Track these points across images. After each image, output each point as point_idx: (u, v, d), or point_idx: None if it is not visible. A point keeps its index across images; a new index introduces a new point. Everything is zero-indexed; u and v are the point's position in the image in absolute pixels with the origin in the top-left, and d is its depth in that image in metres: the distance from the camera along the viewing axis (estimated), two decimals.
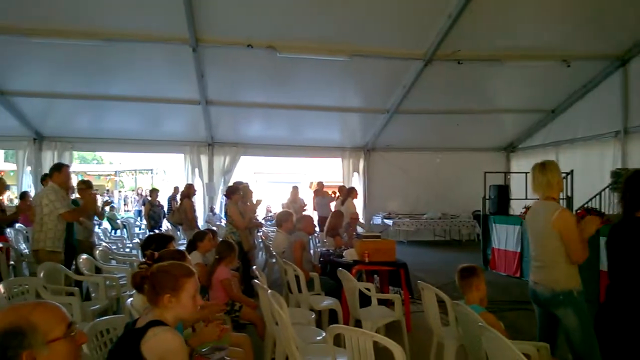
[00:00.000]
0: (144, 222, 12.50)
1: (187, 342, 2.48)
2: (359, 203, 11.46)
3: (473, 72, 8.94)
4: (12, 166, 16.90)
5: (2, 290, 4.01)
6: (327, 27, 7.61)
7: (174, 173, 19.69)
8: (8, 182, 9.64)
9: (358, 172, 12.84)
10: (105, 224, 12.94)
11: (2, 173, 17.78)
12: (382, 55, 8.36)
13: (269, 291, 3.50)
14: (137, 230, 12.53)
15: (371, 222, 12.93)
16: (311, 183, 20.32)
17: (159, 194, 11.99)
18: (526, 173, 10.10)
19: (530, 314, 5.92)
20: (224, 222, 11.46)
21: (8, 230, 7.54)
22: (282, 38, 7.74)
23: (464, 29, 7.43)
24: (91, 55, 8.00)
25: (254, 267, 6.21)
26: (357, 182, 12.58)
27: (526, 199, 9.46)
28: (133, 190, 27.22)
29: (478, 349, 2.96)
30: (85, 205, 6.20)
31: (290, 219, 6.88)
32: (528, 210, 3.70)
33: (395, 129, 11.35)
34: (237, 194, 6.93)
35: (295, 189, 12.38)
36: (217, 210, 12.42)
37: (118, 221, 13.60)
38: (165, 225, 11.25)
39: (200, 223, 10.56)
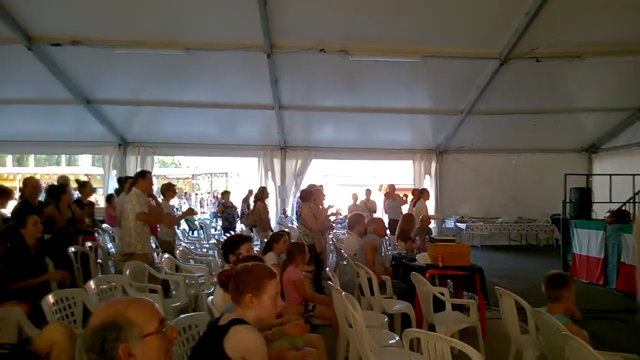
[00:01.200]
0: (219, 223, 12.99)
1: (267, 337, 2.55)
2: (430, 205, 11.26)
3: (552, 70, 8.53)
4: (99, 170, 18.12)
5: (93, 287, 4.34)
6: (398, 29, 7.55)
7: (247, 176, 20.30)
8: (95, 186, 10.37)
9: (430, 175, 12.60)
10: (184, 225, 13.55)
11: (90, 177, 19.10)
12: (455, 55, 8.16)
13: (343, 293, 3.53)
14: (213, 231, 13.02)
15: (443, 226, 12.66)
16: (381, 186, 20.18)
17: (230, 195, 12.43)
18: (610, 175, 9.63)
19: (614, 324, 5.61)
20: (295, 224, 11.68)
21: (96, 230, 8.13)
22: (354, 41, 7.77)
23: (542, 25, 7.11)
24: (172, 64, 8.43)
25: (327, 268, 6.28)
26: (428, 185, 12.34)
27: (610, 202, 8.96)
28: (209, 193, 28.33)
29: (561, 359, 2.83)
30: (164, 215, 6.51)
31: (362, 221, 6.89)
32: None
33: (469, 130, 11.05)
34: (312, 197, 7.05)
35: (367, 192, 12.40)
36: (288, 213, 12.67)
37: (195, 222, 14.18)
38: (240, 226, 11.63)
39: (273, 225, 10.80)
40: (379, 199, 13.57)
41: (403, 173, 16.88)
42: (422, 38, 7.79)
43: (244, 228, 10.44)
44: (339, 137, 12.28)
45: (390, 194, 11.77)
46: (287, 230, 8.33)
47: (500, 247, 12.42)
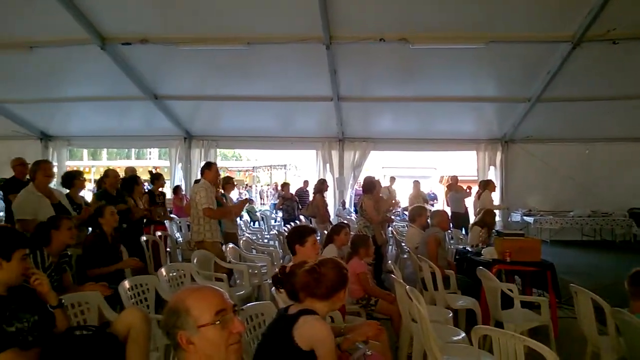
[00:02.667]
0: (279, 214, 13.20)
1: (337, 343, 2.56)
2: (495, 198, 10.86)
3: (631, 52, 7.88)
4: (166, 163, 18.84)
5: (164, 274, 4.55)
6: (461, 15, 7.27)
7: (305, 168, 20.46)
8: None
9: (494, 166, 12.11)
10: (246, 217, 13.87)
11: (158, 169, 19.91)
12: (522, 40, 7.76)
13: (407, 287, 3.45)
14: (273, 222, 13.24)
15: (509, 220, 12.17)
16: (442, 177, 19.74)
17: (290, 187, 12.56)
18: None
19: None
20: (353, 216, 11.64)
21: (165, 220, 8.47)
22: (414, 29, 7.57)
23: (620, 3, 6.60)
24: (233, 59, 8.58)
25: (389, 261, 6.19)
26: (493, 176, 11.90)
27: None
28: (268, 185, 28.81)
29: None
30: (230, 209, 6.74)
31: (423, 213, 6.74)
32: None
33: (538, 118, 10.47)
34: (374, 189, 6.95)
35: (416, 183, 12.14)
36: (347, 205, 12.64)
37: (257, 214, 14.49)
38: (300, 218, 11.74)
39: (331, 217, 10.81)
40: (440, 191, 13.28)
41: (466, 164, 16.45)
42: (486, 22, 7.44)
43: (304, 219, 10.52)
44: (398, 128, 12.07)
45: (453, 185, 11.45)
46: (346, 222, 8.32)
47: (572, 243, 11.77)
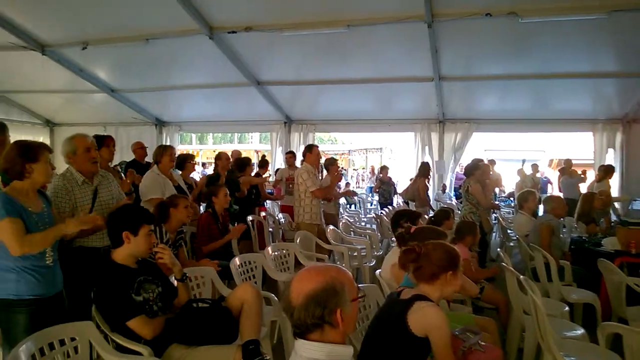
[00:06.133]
0: (376, 198, 13.15)
1: None
2: (614, 184, 9.93)
3: None
4: (266, 147, 19.52)
5: (270, 252, 4.76)
6: None
7: (401, 151, 20.13)
8: None
9: (614, 148, 11.01)
10: (342, 200, 14.02)
11: (260, 152, 20.72)
12: None
13: (521, 277, 3.26)
14: (369, 205, 13.23)
15: (630, 207, 11.06)
16: (551, 161, 18.48)
17: (389, 171, 12.44)
18: None
19: None
20: (453, 200, 11.28)
21: (267, 202, 8.81)
22: (524, 1, 7.04)
23: None
24: (333, 42, 8.53)
25: (498, 249, 5.93)
26: (612, 159, 10.85)
27: None
28: (364, 169, 28.82)
29: None
30: (331, 184, 6.87)
31: (531, 198, 6.34)
32: None
33: None
34: (478, 171, 6.62)
35: (534, 167, 11.45)
36: (447, 189, 12.27)
37: (354, 197, 14.57)
38: (396, 201, 11.62)
39: (430, 201, 10.55)
40: (550, 175, 12.44)
41: (578, 146, 15.25)
42: None
43: (401, 203, 10.38)
44: (503, 108, 11.34)
45: (567, 169, 10.64)
46: (445, 206, 8.06)
47: None
